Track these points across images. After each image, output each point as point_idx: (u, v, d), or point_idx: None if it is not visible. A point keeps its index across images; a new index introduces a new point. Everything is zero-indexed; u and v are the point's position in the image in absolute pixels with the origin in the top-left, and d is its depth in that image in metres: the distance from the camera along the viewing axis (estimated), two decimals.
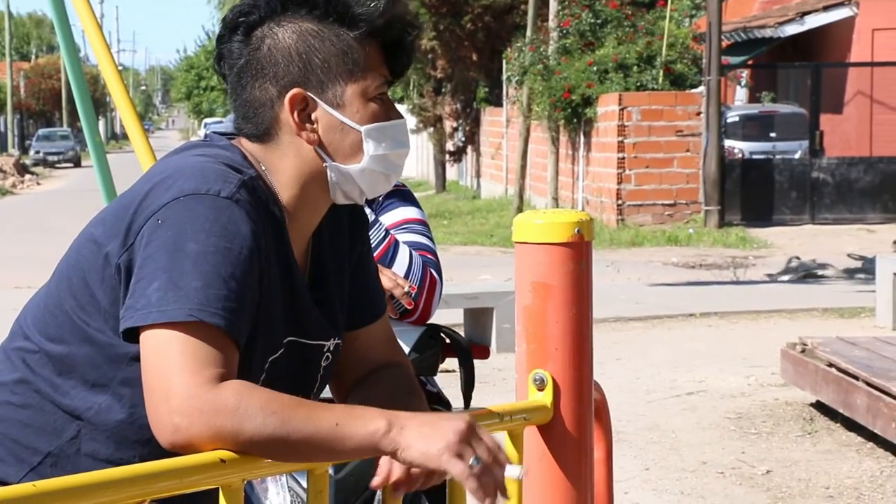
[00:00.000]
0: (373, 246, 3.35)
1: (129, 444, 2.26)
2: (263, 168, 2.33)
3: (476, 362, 3.86)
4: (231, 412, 2.05)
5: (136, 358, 2.18)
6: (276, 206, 2.30)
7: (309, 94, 2.31)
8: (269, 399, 2.09)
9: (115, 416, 2.26)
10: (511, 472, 2.19)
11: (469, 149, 34.45)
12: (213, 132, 2.41)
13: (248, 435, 2.06)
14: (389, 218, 3.70)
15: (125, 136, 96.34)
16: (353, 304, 2.51)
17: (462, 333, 5.57)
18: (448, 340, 3.76)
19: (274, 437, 2.07)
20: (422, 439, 2.11)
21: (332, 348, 2.43)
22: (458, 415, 2.20)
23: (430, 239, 3.74)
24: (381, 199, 3.71)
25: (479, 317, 10.91)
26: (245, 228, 2.19)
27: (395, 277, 3.49)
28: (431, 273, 3.60)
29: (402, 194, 3.77)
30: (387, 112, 2.36)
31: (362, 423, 2.11)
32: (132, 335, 2.15)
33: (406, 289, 3.47)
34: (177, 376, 2.07)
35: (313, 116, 2.32)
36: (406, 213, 3.74)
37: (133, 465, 1.98)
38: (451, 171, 36.71)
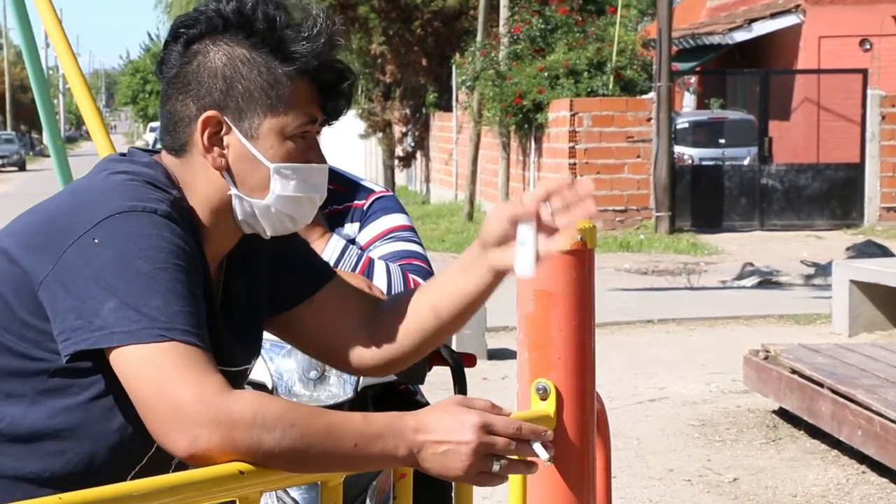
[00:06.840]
0: (349, 269, 3.33)
1: (43, 456, 2.18)
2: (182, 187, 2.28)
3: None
4: (248, 425, 2.00)
5: (62, 371, 2.13)
6: (196, 226, 2.24)
7: (225, 118, 2.25)
8: (287, 410, 2.04)
9: (32, 427, 2.17)
10: (539, 452, 2.21)
11: (418, 154, 34.43)
12: (133, 148, 2.34)
13: (267, 448, 2.02)
14: (376, 227, 3.64)
15: (68, 140, 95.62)
16: (298, 276, 2.46)
17: None
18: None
19: (293, 450, 2.03)
20: (440, 464, 2.12)
21: (241, 374, 2.40)
22: (468, 424, 2.14)
23: (419, 244, 3.68)
24: (366, 208, 3.67)
25: None
26: (186, 246, 2.14)
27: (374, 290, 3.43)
28: (415, 280, 3.55)
29: (386, 200, 3.72)
30: (305, 153, 2.29)
31: (381, 444, 2.10)
32: (81, 355, 2.08)
33: None
34: (181, 387, 2.01)
35: (225, 141, 2.26)
36: (392, 220, 3.68)
37: (155, 477, 1.93)
38: (400, 177, 36.67)
